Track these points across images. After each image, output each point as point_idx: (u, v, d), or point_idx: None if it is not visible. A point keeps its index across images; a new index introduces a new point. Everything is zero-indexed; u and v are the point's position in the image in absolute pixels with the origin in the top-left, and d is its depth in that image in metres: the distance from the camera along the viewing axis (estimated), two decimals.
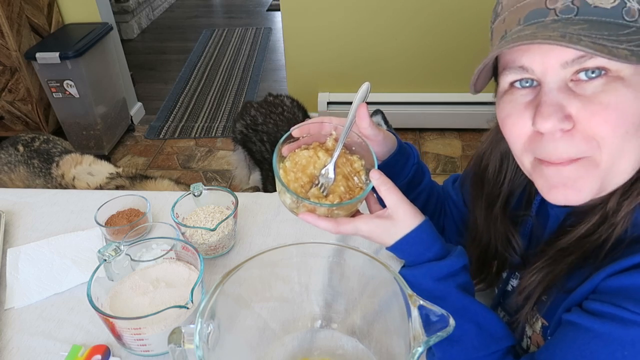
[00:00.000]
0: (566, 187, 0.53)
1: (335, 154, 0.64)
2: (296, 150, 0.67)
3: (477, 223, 0.75)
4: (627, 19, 0.48)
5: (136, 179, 1.51)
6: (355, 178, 0.66)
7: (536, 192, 0.69)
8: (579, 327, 0.54)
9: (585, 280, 0.56)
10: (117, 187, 1.47)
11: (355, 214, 0.68)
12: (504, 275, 0.76)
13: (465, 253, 0.66)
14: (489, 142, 0.72)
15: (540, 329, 0.64)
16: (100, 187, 1.48)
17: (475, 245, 0.75)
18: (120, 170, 1.56)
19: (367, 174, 0.67)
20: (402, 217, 0.62)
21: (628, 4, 0.48)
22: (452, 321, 0.52)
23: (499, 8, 0.57)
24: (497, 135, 0.69)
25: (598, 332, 0.52)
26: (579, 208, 0.58)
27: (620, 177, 0.53)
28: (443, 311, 0.53)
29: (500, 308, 0.78)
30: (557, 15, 0.49)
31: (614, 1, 0.48)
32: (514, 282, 0.74)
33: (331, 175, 0.64)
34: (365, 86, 0.65)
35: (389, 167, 0.73)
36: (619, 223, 0.54)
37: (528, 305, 0.63)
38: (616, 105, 0.48)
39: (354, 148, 0.68)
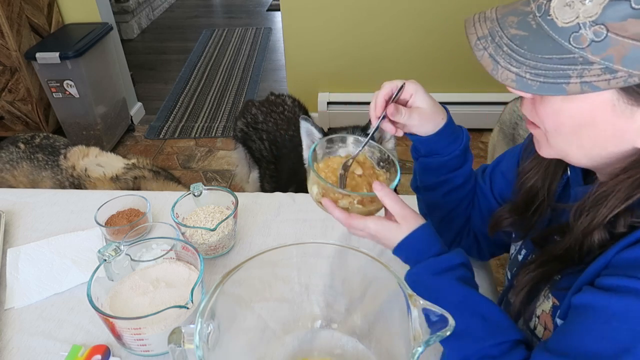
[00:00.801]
0: (535, 142, 0.62)
1: (358, 151, 0.74)
2: (330, 157, 0.77)
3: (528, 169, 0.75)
4: (573, 44, 0.47)
5: (160, 175, 1.48)
6: None
7: (561, 176, 0.70)
8: (594, 308, 0.52)
9: (595, 258, 0.54)
10: (136, 178, 1.44)
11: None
12: (520, 257, 0.76)
13: (464, 252, 0.68)
14: None
15: (550, 309, 0.63)
16: (117, 177, 1.45)
17: (522, 190, 0.74)
18: (134, 161, 1.54)
19: (390, 184, 0.74)
20: (404, 222, 0.68)
21: (581, 30, 0.46)
22: (451, 321, 0.53)
23: None
24: None
25: (615, 309, 0.50)
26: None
27: (575, 162, 0.58)
28: (443, 311, 0.54)
29: (512, 292, 0.77)
30: (533, 8, 0.51)
31: (569, 22, 0.47)
32: None
33: (350, 163, 0.73)
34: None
35: (425, 143, 0.78)
36: (591, 233, 0.55)
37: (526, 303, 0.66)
38: (549, 104, 0.53)
39: (381, 164, 0.77)
